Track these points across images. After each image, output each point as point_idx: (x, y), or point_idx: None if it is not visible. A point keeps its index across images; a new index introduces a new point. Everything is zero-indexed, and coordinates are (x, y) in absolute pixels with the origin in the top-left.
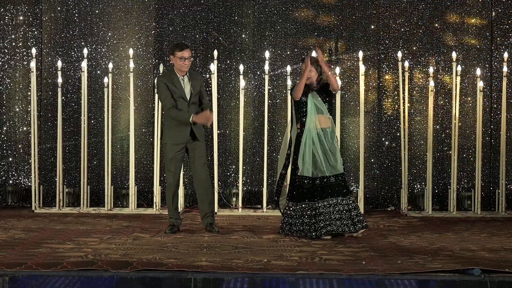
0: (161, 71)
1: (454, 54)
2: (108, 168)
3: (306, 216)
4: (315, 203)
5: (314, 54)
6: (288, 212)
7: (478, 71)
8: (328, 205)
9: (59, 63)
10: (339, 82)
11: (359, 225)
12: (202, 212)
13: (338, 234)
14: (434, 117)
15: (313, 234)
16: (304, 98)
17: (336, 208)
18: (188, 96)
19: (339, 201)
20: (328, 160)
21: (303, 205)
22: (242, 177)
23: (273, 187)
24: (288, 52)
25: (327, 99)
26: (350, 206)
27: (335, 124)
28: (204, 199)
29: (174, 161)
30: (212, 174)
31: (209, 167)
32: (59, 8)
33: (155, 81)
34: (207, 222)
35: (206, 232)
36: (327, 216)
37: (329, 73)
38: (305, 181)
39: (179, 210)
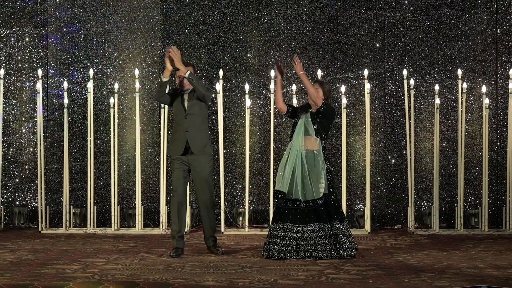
0: (166, 91)
1: (459, 72)
2: (114, 188)
3: (289, 238)
4: (298, 226)
5: (319, 74)
6: (272, 233)
7: (484, 88)
8: (310, 231)
9: (65, 84)
10: (344, 101)
11: (342, 253)
12: (204, 234)
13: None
14: (440, 134)
15: (299, 254)
16: (296, 119)
17: (320, 234)
18: (186, 108)
19: (322, 226)
20: (305, 184)
21: (285, 226)
22: (249, 196)
23: None
24: (294, 71)
25: (317, 120)
26: (333, 232)
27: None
28: (206, 221)
29: (175, 176)
30: (218, 193)
31: (215, 186)
32: (65, 29)
33: None
34: (210, 244)
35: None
36: (311, 242)
37: (304, 78)
38: (279, 196)
39: (186, 230)
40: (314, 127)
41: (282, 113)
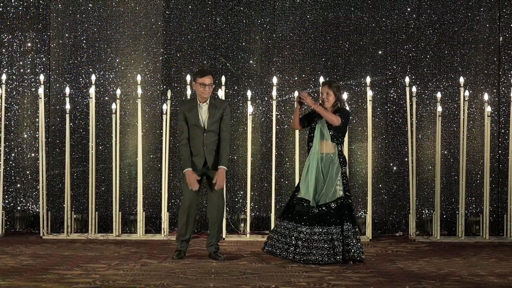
0: (168, 97)
1: (461, 79)
2: (116, 194)
3: (292, 238)
4: (302, 227)
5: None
6: (276, 229)
7: (486, 96)
8: (312, 233)
9: (67, 90)
10: (347, 107)
11: (341, 256)
12: (209, 239)
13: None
14: (442, 142)
15: (295, 257)
16: (313, 124)
17: (320, 237)
18: (204, 124)
19: (326, 230)
20: (320, 188)
21: (289, 226)
22: (250, 203)
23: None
24: (296, 78)
25: (332, 126)
26: (345, 234)
27: (337, 148)
28: (214, 228)
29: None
30: None
31: None
32: (67, 35)
33: (179, 107)
34: (212, 251)
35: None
36: (310, 244)
37: (317, 109)
38: (304, 204)
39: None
40: (330, 132)
41: (298, 130)
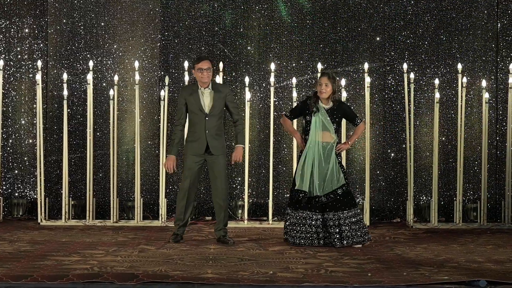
0: (166, 83)
1: (459, 66)
2: (113, 180)
3: (307, 225)
4: (314, 214)
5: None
6: (290, 220)
7: (484, 83)
8: (325, 219)
9: (65, 76)
10: (344, 94)
11: (345, 241)
12: (216, 224)
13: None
14: (440, 128)
15: (319, 242)
16: (308, 118)
17: (330, 223)
18: (206, 109)
19: (340, 215)
20: (325, 176)
21: (303, 214)
22: (248, 189)
23: (279, 199)
24: (294, 64)
25: (336, 119)
26: (341, 221)
27: (338, 139)
28: (221, 212)
29: (190, 171)
30: None
31: None
32: (64, 21)
33: (179, 92)
34: (221, 235)
35: (212, 243)
36: (324, 229)
37: (351, 142)
38: (300, 195)
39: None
40: (334, 126)
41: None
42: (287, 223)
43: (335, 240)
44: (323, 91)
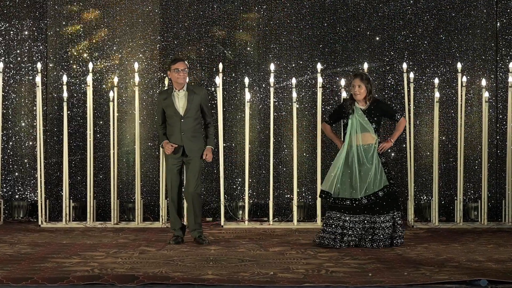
0: (166, 85)
1: (459, 65)
2: (114, 182)
3: (338, 227)
4: (353, 216)
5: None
6: (327, 221)
7: (484, 82)
8: (359, 221)
9: (64, 78)
10: (344, 95)
11: (397, 241)
12: (189, 225)
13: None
14: (440, 128)
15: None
16: (346, 120)
17: (361, 225)
18: (181, 111)
19: (371, 219)
20: (366, 179)
21: (339, 215)
22: (248, 190)
23: (279, 200)
24: (293, 65)
25: (375, 119)
26: (393, 222)
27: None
28: (191, 212)
29: (171, 174)
30: (218, 187)
31: (215, 180)
32: (64, 23)
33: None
34: (195, 235)
35: (213, 244)
36: (354, 231)
37: (393, 140)
38: (322, 195)
39: (184, 222)
40: (373, 126)
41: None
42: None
43: (366, 241)
44: (357, 92)
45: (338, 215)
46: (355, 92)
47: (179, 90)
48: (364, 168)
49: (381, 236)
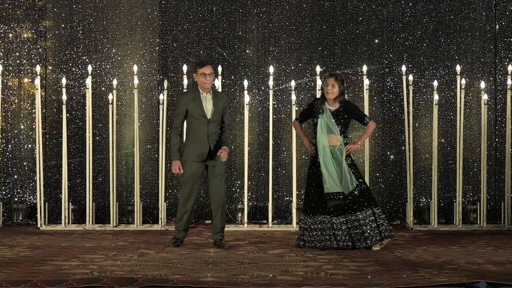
0: (165, 87)
1: (458, 67)
2: (113, 184)
3: (324, 229)
4: (332, 218)
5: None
6: (303, 226)
7: (483, 84)
8: (344, 222)
9: (64, 80)
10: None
11: (383, 234)
12: (213, 227)
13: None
14: (439, 130)
15: (335, 244)
16: (315, 120)
17: (346, 226)
18: (209, 115)
19: (354, 217)
20: (342, 177)
21: (319, 219)
22: (248, 193)
23: (278, 202)
24: (293, 67)
25: (342, 121)
26: (374, 217)
27: (343, 141)
28: (218, 216)
29: (193, 178)
30: None
31: None
32: (63, 25)
33: (180, 97)
34: (217, 238)
35: (212, 247)
36: (345, 231)
37: (360, 142)
38: (339, 197)
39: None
40: (339, 128)
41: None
42: (302, 230)
43: (359, 240)
44: (329, 91)
45: (327, 219)
46: (328, 90)
47: (206, 93)
48: (333, 171)
49: (370, 232)
